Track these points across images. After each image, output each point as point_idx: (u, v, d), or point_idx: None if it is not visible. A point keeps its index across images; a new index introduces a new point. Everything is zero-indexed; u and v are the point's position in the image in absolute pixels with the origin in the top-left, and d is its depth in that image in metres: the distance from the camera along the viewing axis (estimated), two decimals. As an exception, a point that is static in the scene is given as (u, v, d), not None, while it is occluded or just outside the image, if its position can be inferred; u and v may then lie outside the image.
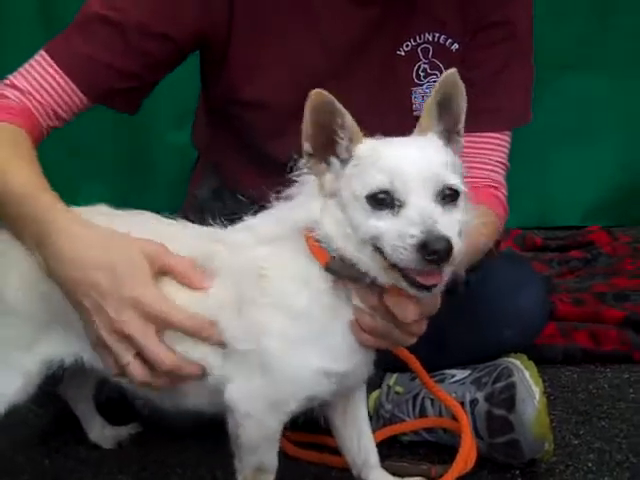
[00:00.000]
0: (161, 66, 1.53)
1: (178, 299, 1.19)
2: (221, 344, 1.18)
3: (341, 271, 1.15)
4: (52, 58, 1.47)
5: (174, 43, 1.49)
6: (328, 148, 1.15)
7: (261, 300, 1.16)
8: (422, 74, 1.58)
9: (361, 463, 1.36)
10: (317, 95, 1.11)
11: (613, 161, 3.30)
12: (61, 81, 1.46)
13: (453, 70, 1.15)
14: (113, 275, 1.16)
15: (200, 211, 1.39)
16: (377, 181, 1.08)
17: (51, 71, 1.46)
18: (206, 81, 1.67)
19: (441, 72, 1.57)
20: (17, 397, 1.29)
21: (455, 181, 1.10)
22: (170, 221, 1.31)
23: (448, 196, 1.09)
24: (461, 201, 1.11)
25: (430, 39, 1.56)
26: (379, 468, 1.38)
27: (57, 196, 1.26)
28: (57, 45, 1.48)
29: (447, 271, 1.10)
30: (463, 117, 1.18)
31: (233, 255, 1.20)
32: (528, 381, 1.44)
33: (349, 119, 1.13)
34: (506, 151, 1.63)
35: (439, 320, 1.38)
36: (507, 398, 1.44)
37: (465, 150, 1.59)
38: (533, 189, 3.21)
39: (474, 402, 1.48)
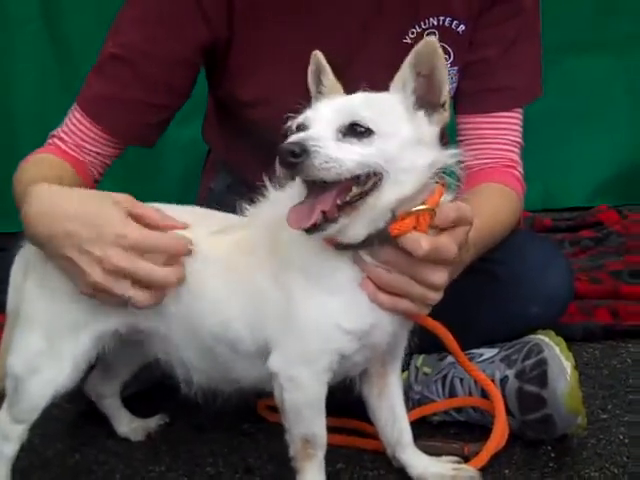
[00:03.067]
0: (177, 89, 1.57)
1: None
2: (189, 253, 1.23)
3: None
4: (81, 107, 1.55)
5: (182, 63, 1.53)
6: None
7: (286, 254, 1.19)
8: None
9: (395, 442, 1.38)
10: (316, 55, 1.24)
11: (619, 141, 3.31)
12: (89, 126, 1.55)
13: (433, 38, 1.18)
14: (89, 222, 1.21)
15: (217, 204, 1.39)
16: (301, 115, 1.17)
17: (77, 116, 1.55)
18: (211, 82, 1.68)
19: (450, 56, 1.57)
20: (66, 382, 1.30)
21: (367, 120, 1.12)
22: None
23: (358, 133, 1.11)
24: (375, 141, 1.12)
25: (435, 23, 1.55)
26: (413, 447, 1.39)
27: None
28: (83, 92, 1.57)
29: (319, 208, 1.10)
30: (445, 88, 1.18)
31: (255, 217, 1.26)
32: (559, 356, 1.44)
33: (331, 78, 1.24)
34: (520, 129, 1.63)
35: (466, 299, 1.39)
36: (539, 374, 1.44)
37: (480, 131, 1.62)
38: (539, 171, 3.22)
39: (504, 380, 1.48)
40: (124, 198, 1.25)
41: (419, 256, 1.15)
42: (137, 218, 1.23)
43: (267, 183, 1.26)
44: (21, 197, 1.32)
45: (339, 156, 1.08)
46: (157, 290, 1.23)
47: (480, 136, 1.61)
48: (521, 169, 1.64)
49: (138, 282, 1.21)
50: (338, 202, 1.10)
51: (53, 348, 1.28)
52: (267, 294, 1.22)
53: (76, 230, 1.21)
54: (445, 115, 1.20)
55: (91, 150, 1.56)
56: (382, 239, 1.16)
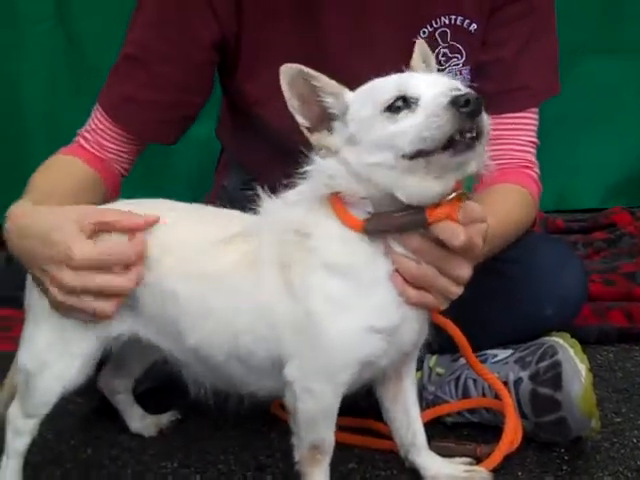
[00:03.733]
0: (194, 87, 1.56)
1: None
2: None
3: (379, 227, 1.14)
4: (101, 106, 1.57)
5: (196, 62, 1.52)
6: (322, 115, 1.17)
7: (308, 260, 1.16)
8: (442, 59, 1.56)
9: (409, 444, 1.37)
10: (286, 70, 1.15)
11: (631, 143, 3.29)
12: (109, 125, 1.56)
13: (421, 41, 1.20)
14: (46, 242, 1.22)
15: (230, 202, 1.39)
16: (388, 94, 1.10)
17: (98, 116, 1.57)
18: (222, 80, 1.68)
19: (462, 55, 1.56)
20: (74, 379, 1.30)
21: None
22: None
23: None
24: None
25: (447, 22, 1.54)
26: (426, 449, 1.38)
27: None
28: (102, 91, 1.59)
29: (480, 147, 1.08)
30: None
31: (269, 220, 1.22)
32: (573, 359, 1.43)
33: (324, 78, 1.16)
34: (535, 129, 1.62)
35: (480, 299, 1.38)
36: (553, 376, 1.43)
37: (495, 132, 1.58)
38: (551, 173, 3.20)
39: (518, 381, 1.47)
40: (85, 212, 1.25)
41: (454, 247, 1.13)
42: (105, 227, 1.24)
43: (263, 194, 1.24)
44: None
45: None
46: (119, 298, 1.23)
47: (496, 137, 1.59)
48: (537, 170, 1.63)
49: (98, 295, 1.22)
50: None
51: (62, 344, 1.28)
52: (279, 308, 1.18)
53: (36, 249, 1.24)
54: None
55: (112, 148, 1.57)
56: (418, 225, 1.14)
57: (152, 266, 1.24)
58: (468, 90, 1.06)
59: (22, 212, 1.31)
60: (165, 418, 1.62)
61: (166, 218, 1.27)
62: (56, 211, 1.28)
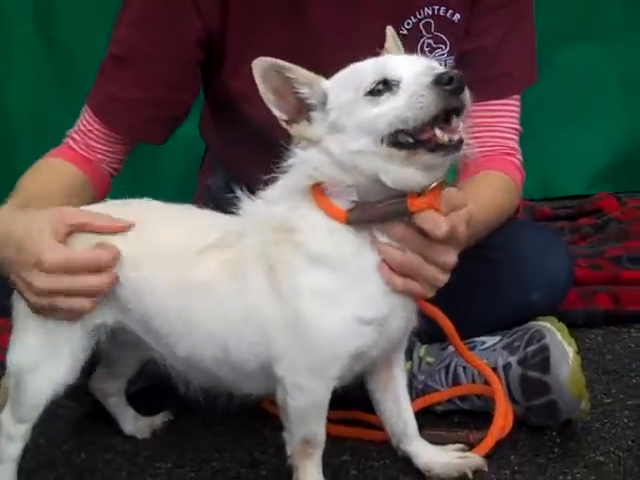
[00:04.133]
0: (181, 86, 1.57)
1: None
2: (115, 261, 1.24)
3: (362, 216, 1.15)
4: (89, 107, 1.58)
5: (181, 60, 1.53)
6: (299, 106, 1.17)
7: (294, 257, 1.16)
8: (427, 49, 1.57)
9: (400, 433, 1.37)
10: (258, 64, 1.16)
11: (615, 129, 3.31)
12: (97, 126, 1.57)
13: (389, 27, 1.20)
14: (19, 248, 1.25)
15: (213, 202, 1.39)
16: (368, 78, 1.11)
17: (87, 117, 1.57)
18: (206, 77, 1.67)
19: (446, 45, 1.57)
20: (65, 377, 1.30)
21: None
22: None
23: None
24: None
25: (430, 13, 1.55)
26: (418, 438, 1.38)
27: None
28: (90, 92, 1.60)
29: (462, 126, 1.09)
30: None
31: (251, 222, 1.22)
32: (561, 342, 1.45)
33: (298, 69, 1.16)
34: (517, 116, 1.63)
35: (466, 286, 1.39)
36: (541, 360, 1.44)
37: (478, 120, 1.61)
38: (536, 161, 3.22)
39: (507, 367, 1.49)
40: (61, 215, 1.27)
41: (437, 237, 1.14)
42: (79, 228, 1.26)
43: (241, 195, 1.24)
44: None
45: None
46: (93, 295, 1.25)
47: (479, 124, 1.60)
48: (520, 156, 1.64)
49: (70, 295, 1.24)
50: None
51: (50, 344, 1.29)
52: (266, 312, 1.18)
53: (10, 256, 1.27)
54: None
55: (101, 149, 1.58)
56: (400, 214, 1.14)
57: (133, 272, 1.25)
58: (448, 68, 1.07)
59: (0, 219, 1.32)
60: (158, 419, 1.62)
61: (145, 220, 1.28)
62: (31, 217, 1.29)
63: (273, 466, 1.44)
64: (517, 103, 1.63)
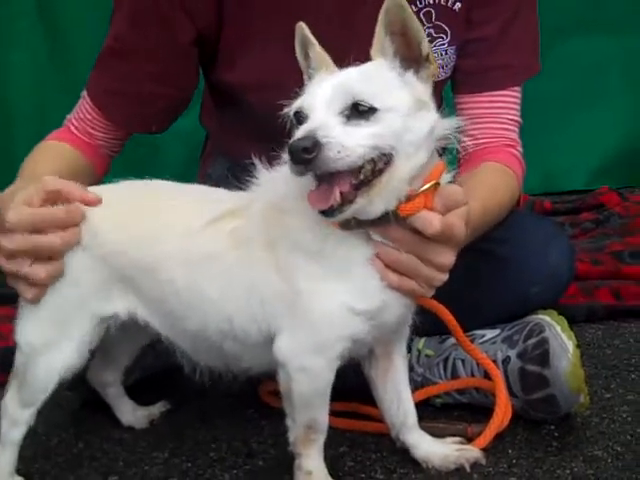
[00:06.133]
0: (176, 79, 1.57)
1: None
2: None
3: (352, 222, 1.15)
4: (88, 95, 1.59)
5: (175, 55, 1.53)
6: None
7: (285, 239, 1.17)
8: (428, 39, 1.56)
9: (400, 424, 1.37)
10: (298, 28, 1.22)
11: (617, 123, 3.30)
12: (95, 115, 1.59)
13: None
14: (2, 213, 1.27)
15: None
16: (298, 101, 1.13)
17: (85, 105, 1.60)
18: (204, 67, 1.67)
19: (447, 35, 1.56)
20: (72, 362, 1.30)
21: (368, 98, 1.09)
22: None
23: (363, 112, 1.09)
24: (381, 118, 1.10)
25: (431, 2, 1.54)
26: (417, 429, 1.38)
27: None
28: (89, 81, 1.61)
29: (337, 190, 1.08)
30: (423, 39, 1.15)
31: (258, 195, 1.23)
32: (560, 335, 1.44)
33: (316, 48, 1.21)
34: (518, 107, 1.63)
35: (466, 280, 1.38)
36: (540, 354, 1.44)
37: (478, 110, 1.61)
38: (537, 155, 3.21)
39: (506, 360, 1.48)
40: (42, 181, 1.26)
41: (430, 235, 1.14)
42: (55, 195, 1.25)
43: (259, 165, 1.24)
44: None
45: (350, 143, 1.06)
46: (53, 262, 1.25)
47: (479, 115, 1.60)
48: (520, 148, 1.63)
49: (35, 256, 1.24)
50: (353, 181, 1.09)
51: (59, 329, 1.28)
52: (268, 286, 1.20)
53: None
54: (432, 68, 1.17)
55: (100, 136, 1.60)
56: (392, 220, 1.15)
57: (145, 251, 1.26)
58: (310, 135, 1.05)
59: (4, 194, 1.32)
60: (156, 409, 1.62)
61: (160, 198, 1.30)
62: (18, 187, 1.30)
63: (270, 456, 1.44)
64: (518, 95, 1.62)
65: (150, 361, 1.65)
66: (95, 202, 1.26)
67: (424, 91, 1.16)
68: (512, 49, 1.58)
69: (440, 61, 1.57)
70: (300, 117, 1.12)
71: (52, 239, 1.24)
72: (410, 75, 1.16)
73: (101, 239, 1.26)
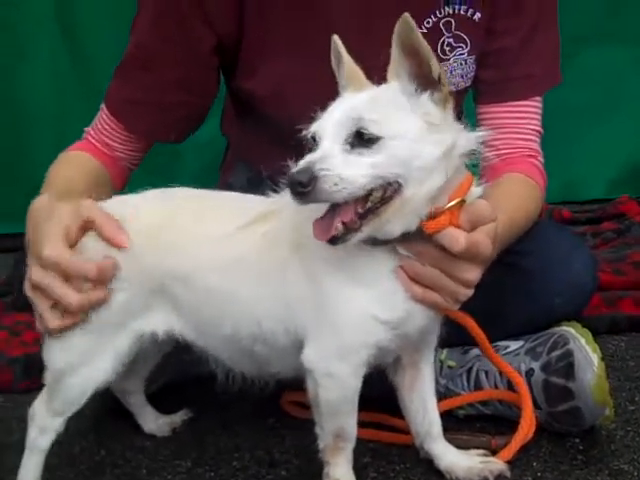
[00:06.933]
0: (197, 88, 1.58)
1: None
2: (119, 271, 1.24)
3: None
4: (107, 107, 1.60)
5: (195, 63, 1.54)
6: None
7: (313, 244, 1.16)
8: (447, 48, 1.56)
9: (424, 433, 1.37)
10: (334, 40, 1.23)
11: (636, 132, 3.27)
12: (113, 125, 1.59)
13: (405, 14, 1.13)
14: (33, 238, 1.27)
15: None
16: (314, 125, 1.15)
17: (104, 116, 1.60)
18: (225, 76, 1.68)
19: (466, 44, 1.56)
20: (107, 377, 1.30)
21: (372, 125, 1.09)
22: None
23: (366, 140, 1.09)
24: (384, 146, 1.10)
25: (451, 12, 1.54)
26: (442, 439, 1.38)
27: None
28: (107, 92, 1.62)
29: (337, 221, 1.10)
30: (432, 60, 1.13)
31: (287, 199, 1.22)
32: (585, 348, 1.43)
33: (346, 64, 1.22)
34: (539, 117, 1.63)
35: (489, 291, 1.37)
36: (565, 366, 1.43)
37: (500, 121, 1.61)
38: (557, 164, 3.19)
39: (530, 372, 1.47)
40: (79, 207, 1.26)
41: (456, 253, 1.15)
42: (88, 224, 1.26)
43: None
44: None
45: (349, 174, 1.07)
46: (71, 315, 1.24)
47: (501, 125, 1.60)
48: (542, 158, 1.63)
49: (56, 304, 1.24)
50: (360, 210, 1.10)
51: (96, 345, 1.28)
52: (297, 289, 1.21)
53: (29, 238, 1.29)
54: (445, 90, 1.15)
55: (119, 147, 1.60)
56: (417, 235, 1.15)
57: (179, 259, 1.26)
58: (309, 167, 1.07)
59: (37, 207, 1.33)
60: (178, 417, 1.62)
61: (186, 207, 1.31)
62: (57, 206, 1.29)
63: (293, 466, 1.44)
64: (539, 105, 1.62)
65: (171, 370, 1.66)
66: (123, 246, 1.25)
67: (437, 114, 1.14)
68: (534, 59, 1.58)
69: (460, 70, 1.58)
70: (315, 140, 1.14)
71: (72, 298, 1.22)
72: (425, 98, 1.15)
73: (137, 252, 1.26)
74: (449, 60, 1.56)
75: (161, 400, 1.63)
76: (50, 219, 1.26)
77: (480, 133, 1.18)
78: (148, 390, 1.62)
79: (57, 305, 1.24)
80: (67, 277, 1.23)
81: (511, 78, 1.58)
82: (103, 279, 1.24)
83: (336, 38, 1.23)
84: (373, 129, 1.09)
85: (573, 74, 3.11)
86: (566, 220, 2.91)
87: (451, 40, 1.56)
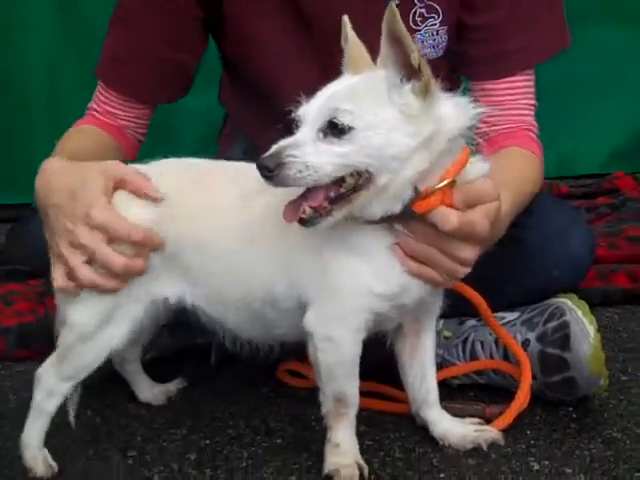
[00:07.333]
0: (183, 43, 1.57)
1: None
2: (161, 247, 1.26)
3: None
4: (97, 75, 1.62)
5: (180, 16, 1.54)
6: None
7: None
8: (419, 19, 1.55)
9: (421, 400, 1.38)
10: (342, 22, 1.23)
11: (634, 108, 3.27)
12: (108, 94, 1.61)
13: (391, 3, 1.12)
14: (71, 196, 1.26)
15: None
16: (300, 109, 1.17)
17: (99, 89, 1.62)
18: (216, 41, 1.67)
19: (438, 15, 1.54)
20: (121, 343, 1.32)
21: (345, 115, 1.11)
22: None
23: (338, 130, 1.11)
24: (356, 137, 1.11)
25: None
26: (438, 407, 1.39)
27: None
28: (98, 61, 1.62)
29: (305, 205, 1.13)
30: (412, 50, 1.12)
31: None
32: (582, 319, 1.44)
33: (350, 47, 1.22)
34: (533, 90, 1.62)
35: (488, 264, 1.38)
36: (561, 337, 1.43)
37: (496, 98, 1.59)
38: (553, 139, 3.19)
39: (526, 343, 1.48)
40: (108, 167, 1.28)
41: (447, 231, 1.15)
42: (122, 184, 1.27)
43: None
44: None
45: (315, 162, 1.10)
46: (113, 277, 1.25)
47: (497, 102, 1.58)
48: (537, 130, 1.62)
49: (96, 264, 1.24)
50: (332, 195, 1.12)
51: (113, 311, 1.29)
52: (300, 253, 1.23)
53: (60, 203, 1.27)
54: (425, 80, 1.13)
55: (122, 115, 1.61)
56: (408, 215, 1.16)
57: (191, 226, 1.28)
58: (277, 152, 1.10)
59: (51, 169, 1.33)
60: (173, 386, 1.63)
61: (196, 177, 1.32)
62: (85, 167, 1.30)
63: (288, 434, 1.45)
64: (532, 77, 1.61)
65: (166, 340, 1.66)
66: (161, 198, 1.27)
67: (416, 105, 1.14)
68: (525, 31, 1.55)
69: (431, 41, 1.56)
70: (297, 124, 1.16)
71: (120, 260, 1.23)
72: (407, 89, 1.14)
73: (155, 220, 1.27)
74: (420, 31, 1.55)
75: (154, 369, 1.63)
76: (86, 179, 1.26)
77: (475, 111, 1.18)
78: (142, 359, 1.61)
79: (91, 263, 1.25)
80: (111, 239, 1.24)
81: (504, 53, 1.55)
82: (148, 244, 1.25)
83: (345, 18, 1.23)
84: (346, 119, 1.11)
85: (572, 50, 3.10)
86: (564, 195, 2.92)
87: (423, 10, 1.54)
